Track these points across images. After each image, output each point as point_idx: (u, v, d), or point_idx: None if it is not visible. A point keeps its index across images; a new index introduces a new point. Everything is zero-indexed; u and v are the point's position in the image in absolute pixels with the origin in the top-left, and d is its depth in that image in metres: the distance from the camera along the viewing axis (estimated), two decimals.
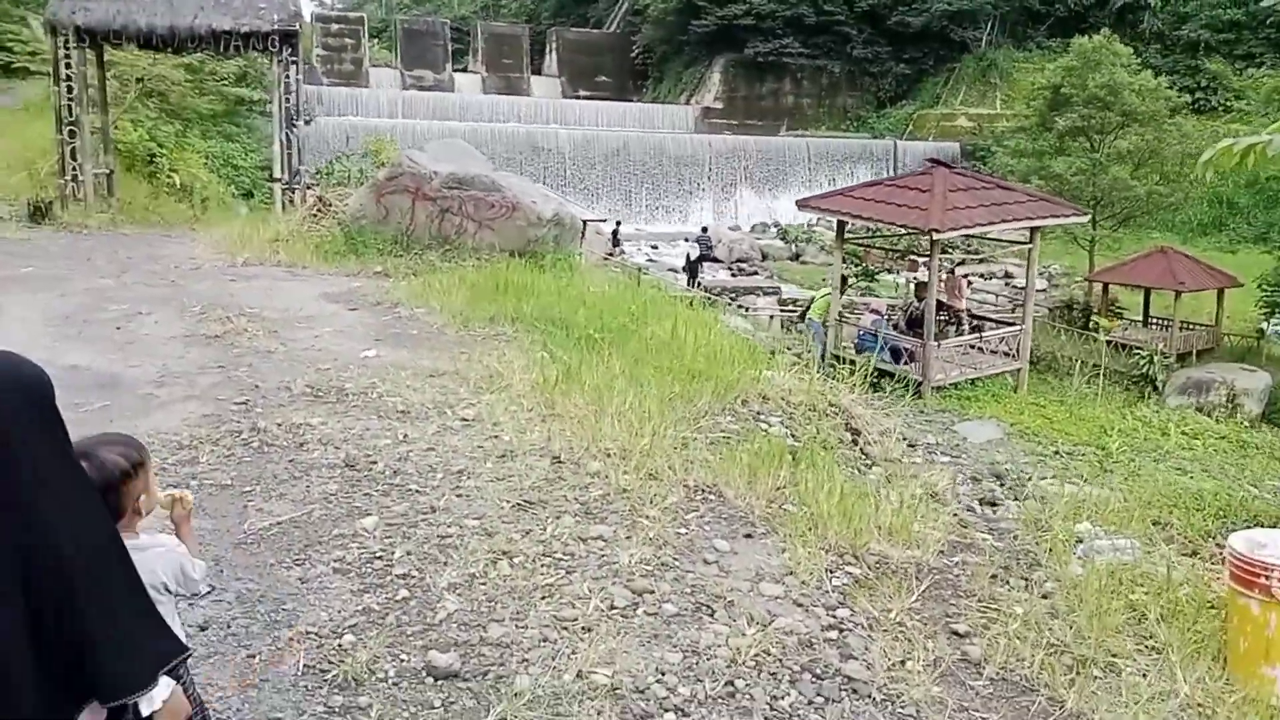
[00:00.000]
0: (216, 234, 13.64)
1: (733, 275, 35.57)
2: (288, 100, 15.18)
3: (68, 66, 14.75)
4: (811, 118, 53.33)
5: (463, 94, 55.32)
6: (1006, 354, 15.16)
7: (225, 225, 14.63)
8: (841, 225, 15.58)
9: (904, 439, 7.64)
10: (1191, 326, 24.19)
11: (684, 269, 31.37)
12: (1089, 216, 16.09)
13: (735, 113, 52.69)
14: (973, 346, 15.07)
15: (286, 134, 15.24)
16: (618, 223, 35.35)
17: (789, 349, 17.88)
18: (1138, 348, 20.86)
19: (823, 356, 15.47)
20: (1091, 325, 23.65)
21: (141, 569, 1.90)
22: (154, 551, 2.47)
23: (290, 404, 6.29)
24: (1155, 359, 19.77)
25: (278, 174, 15.45)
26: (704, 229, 34.21)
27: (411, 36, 59.15)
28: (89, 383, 6.66)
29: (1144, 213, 26.33)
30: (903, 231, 15.20)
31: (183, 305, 9.26)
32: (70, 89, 14.90)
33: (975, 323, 16.19)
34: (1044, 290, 29.71)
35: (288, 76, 15.14)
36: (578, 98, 57.78)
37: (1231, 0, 45.21)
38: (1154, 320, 25.22)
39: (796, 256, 39.20)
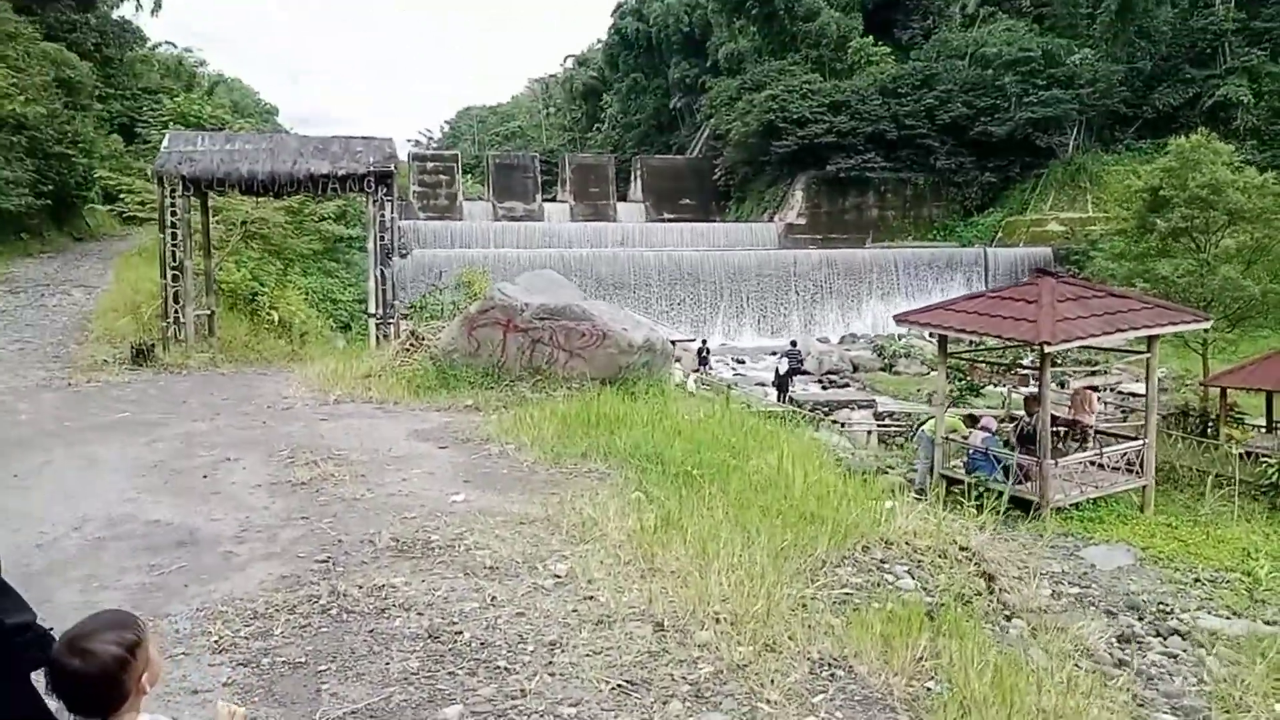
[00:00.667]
0: (311, 371, 13.58)
1: (824, 388, 34.78)
2: (383, 237, 15.29)
3: (173, 214, 15.15)
4: (897, 229, 52.97)
5: (551, 222, 56.60)
6: (1130, 470, 14.06)
7: (321, 361, 14.61)
8: (943, 340, 14.87)
9: (1045, 580, 6.80)
10: None
11: (774, 383, 30.76)
12: (1210, 322, 15.08)
13: (819, 227, 52.67)
14: (1092, 463, 14.02)
15: (381, 270, 15.31)
16: (704, 342, 35.12)
17: (892, 468, 17.04)
18: (1265, 456, 19.38)
19: (930, 473, 14.59)
20: (1212, 433, 22.20)
21: None
22: None
23: (373, 561, 5.83)
24: None
25: (372, 309, 15.49)
26: (793, 343, 33.67)
27: (502, 170, 61.10)
28: (169, 540, 6.33)
29: (1258, 312, 24.97)
30: (1009, 344, 14.40)
31: (271, 448, 9.01)
32: (175, 235, 15.27)
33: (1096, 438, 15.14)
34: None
35: (383, 215, 15.30)
36: (662, 220, 58.65)
37: None
38: (1279, 425, 23.63)
39: (889, 367, 38.28)
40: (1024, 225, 49.46)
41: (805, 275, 45.06)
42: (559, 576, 5.46)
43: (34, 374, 13.83)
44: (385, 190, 15.35)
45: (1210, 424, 23.92)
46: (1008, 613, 5.94)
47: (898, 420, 28.19)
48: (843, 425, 25.04)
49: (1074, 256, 45.34)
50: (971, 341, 15.40)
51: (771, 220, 53.82)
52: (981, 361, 17.78)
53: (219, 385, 13.26)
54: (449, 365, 11.94)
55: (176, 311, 15.32)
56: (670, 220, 58.10)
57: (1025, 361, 17.57)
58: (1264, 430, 23.74)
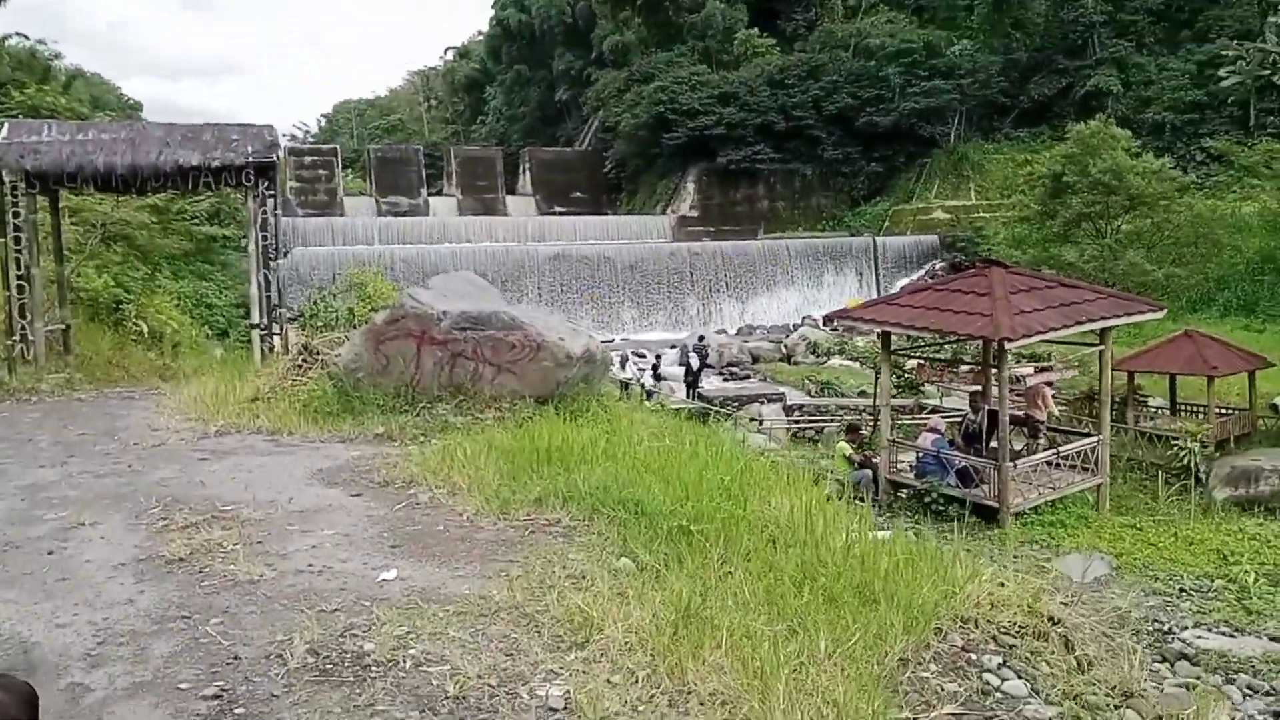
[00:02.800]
0: (187, 394, 11.50)
1: (724, 380, 33.73)
2: (264, 237, 13.25)
3: (16, 215, 12.79)
4: (787, 220, 52.44)
5: (438, 216, 54.23)
6: (1085, 469, 13.15)
7: (197, 381, 12.49)
8: (886, 336, 13.70)
9: (1142, 648, 5.53)
10: (1228, 411, 22.52)
11: (685, 380, 29.55)
12: (1164, 311, 14.31)
13: (711, 219, 51.70)
14: (1048, 463, 13.05)
15: (264, 274, 13.27)
16: (658, 356, 33.71)
17: (830, 474, 15.81)
18: (1174, 438, 19.02)
19: (875, 495, 13.42)
20: (1119, 417, 21.82)
21: None
22: None
23: (286, 693, 4.11)
24: (1196, 449, 17.84)
25: (255, 318, 13.41)
26: (700, 338, 32.50)
27: (385, 164, 58.31)
28: None
29: (1161, 295, 24.86)
30: (959, 340, 13.31)
31: (138, 505, 7.07)
32: (19, 239, 12.91)
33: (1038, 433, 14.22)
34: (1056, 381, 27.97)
35: (264, 212, 13.25)
36: (553, 213, 56.93)
37: (1192, 82, 44.99)
38: (1182, 407, 23.56)
39: (788, 358, 37.52)
40: (910, 214, 49.49)
41: (701, 267, 44.01)
42: (555, 710, 3.86)
43: None
44: (267, 184, 13.30)
45: (1117, 407, 23.69)
46: (1113, 698, 4.61)
47: (805, 411, 27.30)
48: (760, 422, 23.89)
49: (960, 243, 45.58)
50: (910, 337, 14.29)
51: (664, 213, 52.61)
52: (924, 358, 16.75)
53: (75, 415, 11.06)
54: (352, 385, 10.09)
55: (24, 327, 12.97)
56: (562, 213, 56.34)
57: (966, 356, 16.62)
58: (1168, 412, 23.61)
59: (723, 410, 25.10)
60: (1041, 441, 13.74)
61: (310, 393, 10.58)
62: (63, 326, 14.09)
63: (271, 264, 13.26)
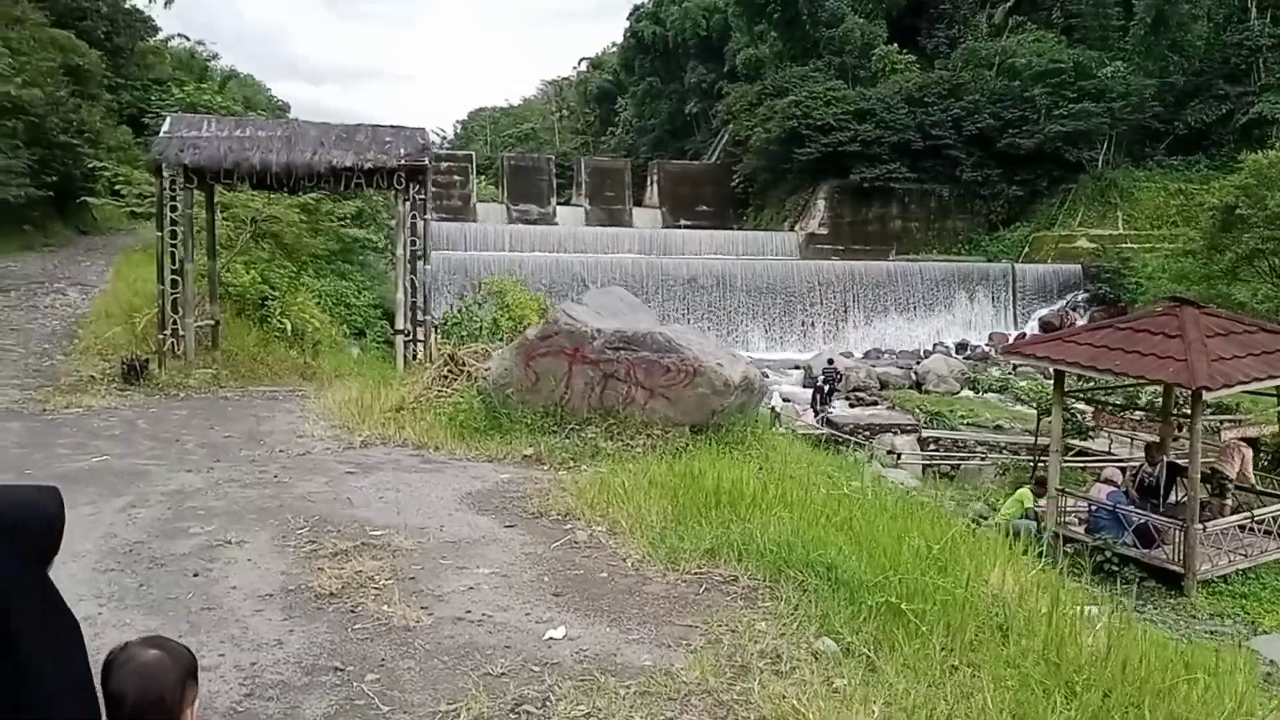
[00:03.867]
0: (331, 399, 11.22)
1: (850, 406, 32.48)
2: (413, 241, 12.96)
3: (173, 210, 12.81)
4: (920, 241, 50.60)
5: (567, 226, 54.34)
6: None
7: (340, 385, 12.25)
8: (1060, 376, 12.54)
9: None
10: None
11: (813, 404, 28.51)
12: None
13: (841, 238, 50.29)
14: (1242, 527, 11.70)
15: (412, 279, 12.97)
16: (830, 362, 32.20)
17: (984, 518, 14.65)
18: None
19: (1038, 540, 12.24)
20: None
21: None
22: None
23: None
24: None
25: (401, 324, 13.12)
26: (830, 361, 31.34)
27: (517, 172, 58.78)
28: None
29: None
30: (1139, 383, 12.08)
31: (285, 523, 6.65)
32: (175, 233, 12.93)
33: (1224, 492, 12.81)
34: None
35: (414, 215, 12.96)
36: (679, 226, 56.34)
37: None
38: None
39: (918, 385, 35.95)
40: (1052, 241, 47.11)
41: (830, 287, 42.73)
42: None
43: (5, 393, 11.47)
44: (418, 187, 13.01)
45: None
46: None
47: (943, 445, 25.91)
48: (896, 456, 22.73)
49: (1105, 274, 43.13)
50: (1089, 379, 13.09)
51: (793, 229, 51.41)
52: (1104, 403, 15.44)
53: (221, 415, 10.90)
54: (500, 401, 9.59)
55: (175, 322, 12.97)
56: (687, 227, 55.72)
57: (1141, 402, 15.25)
58: None
59: (852, 439, 24.02)
60: (1228, 502, 12.36)
61: (456, 406, 10.15)
62: (212, 322, 14.10)
63: (420, 269, 12.96)
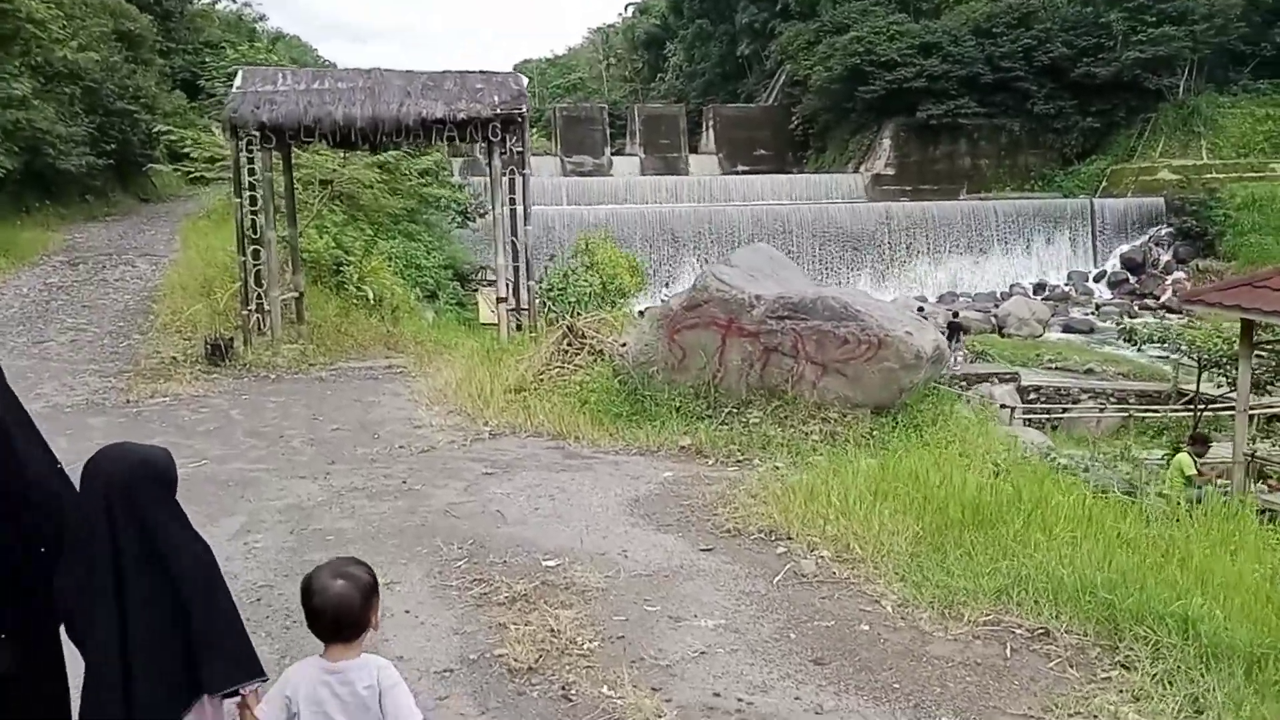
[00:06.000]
0: (441, 379, 9.96)
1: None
2: (512, 200, 11.56)
3: (251, 173, 11.53)
4: (991, 179, 48.18)
5: (623, 177, 52.57)
6: None
7: (444, 362, 10.98)
8: (1249, 326, 10.89)
9: None
10: None
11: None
12: None
13: (908, 178, 48.03)
14: None
15: (512, 241, 11.60)
16: (955, 315, 29.20)
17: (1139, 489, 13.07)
18: None
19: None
20: None
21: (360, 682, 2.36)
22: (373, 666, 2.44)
23: None
24: None
25: (502, 292, 11.75)
26: (955, 315, 29.31)
27: (570, 123, 56.94)
28: None
29: None
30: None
31: (436, 552, 5.38)
32: (255, 200, 11.66)
33: None
34: None
35: (511, 170, 11.55)
36: (736, 172, 54.30)
37: None
38: None
39: (998, 330, 34.08)
40: (1131, 174, 44.47)
41: (899, 230, 40.68)
42: None
43: (85, 381, 10.37)
44: (515, 138, 11.59)
45: None
46: None
47: (1043, 392, 24.21)
48: (1011, 410, 21.09)
49: (1190, 207, 40.64)
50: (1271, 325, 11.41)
51: (857, 171, 49.21)
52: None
53: (321, 400, 9.68)
54: (642, 381, 8.24)
55: (259, 296, 11.76)
56: (745, 172, 53.67)
57: None
58: None
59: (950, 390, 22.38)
60: None
61: (584, 386, 8.82)
62: (296, 294, 12.89)
63: (520, 230, 11.59)
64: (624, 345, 8.38)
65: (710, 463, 7.13)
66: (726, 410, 7.80)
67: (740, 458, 7.17)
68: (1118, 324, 29.90)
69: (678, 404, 7.96)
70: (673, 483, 6.65)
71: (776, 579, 4.96)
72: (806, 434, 7.39)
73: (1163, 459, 14.25)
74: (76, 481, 2.35)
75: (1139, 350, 25.19)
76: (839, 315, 7.58)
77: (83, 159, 23.58)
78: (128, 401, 9.49)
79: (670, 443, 7.53)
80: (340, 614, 2.34)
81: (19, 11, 18.37)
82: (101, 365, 11.19)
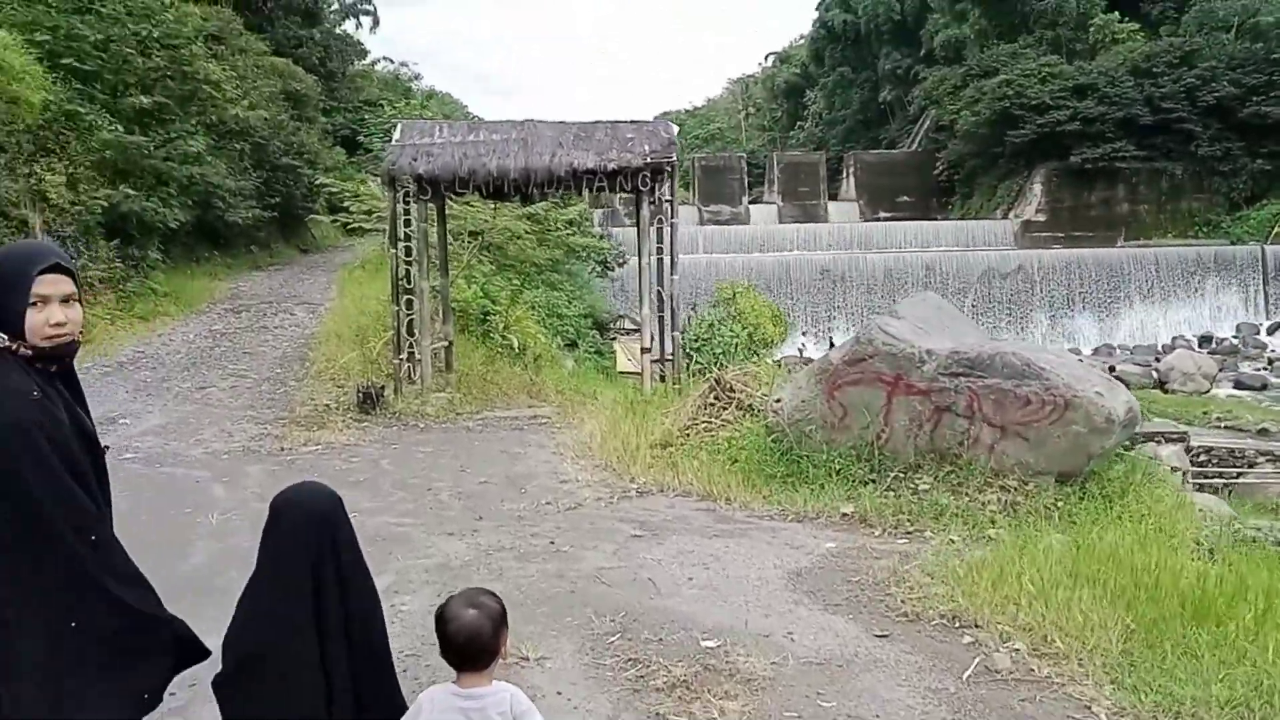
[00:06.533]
0: (585, 432, 9.74)
1: None
2: (660, 248, 11.34)
3: (407, 224, 11.70)
4: (1150, 225, 45.61)
5: (760, 225, 52.24)
6: None
7: (588, 413, 10.77)
8: None
9: None
10: None
11: None
12: None
13: (1061, 224, 45.95)
14: None
15: (658, 290, 11.36)
16: (1111, 370, 28.34)
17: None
18: None
19: None
20: None
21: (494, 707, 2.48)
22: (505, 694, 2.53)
23: None
24: None
25: (646, 342, 11.51)
26: (1111, 368, 27.73)
27: (708, 173, 57.15)
28: None
29: None
30: None
31: (589, 627, 5.02)
32: (409, 250, 11.82)
33: None
34: None
35: (660, 219, 11.34)
36: (878, 219, 53.19)
37: None
38: None
39: (1161, 385, 31.87)
40: None
41: (1052, 278, 38.75)
42: None
43: (243, 428, 10.59)
44: (664, 187, 11.40)
45: None
46: None
47: (1215, 455, 22.31)
48: (1180, 474, 19.51)
49: None
50: None
51: (1006, 217, 47.39)
52: None
53: (469, 450, 9.57)
54: (797, 440, 7.76)
55: (411, 345, 11.85)
56: (887, 219, 52.49)
57: None
58: None
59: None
60: None
61: (733, 443, 8.41)
62: (445, 343, 12.98)
63: (667, 280, 11.34)
64: (778, 401, 7.92)
65: (876, 533, 6.58)
66: (892, 475, 7.24)
67: (910, 529, 6.60)
68: None
69: (837, 466, 7.44)
70: (837, 555, 6.14)
71: (966, 674, 4.40)
72: (983, 504, 6.75)
73: None
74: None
75: None
76: (1020, 373, 6.94)
77: (250, 211, 24.83)
78: (282, 449, 9.61)
79: (830, 509, 7.01)
80: (473, 641, 2.45)
81: (198, 74, 19.53)
82: (259, 412, 11.46)
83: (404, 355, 11.76)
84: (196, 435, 10.19)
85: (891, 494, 7.05)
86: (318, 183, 25.90)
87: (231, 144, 24.22)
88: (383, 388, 11.55)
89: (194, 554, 6.39)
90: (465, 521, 7.03)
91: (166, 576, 5.38)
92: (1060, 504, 6.68)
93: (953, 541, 6.20)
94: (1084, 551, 5.40)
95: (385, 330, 13.24)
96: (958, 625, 4.94)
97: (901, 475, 7.21)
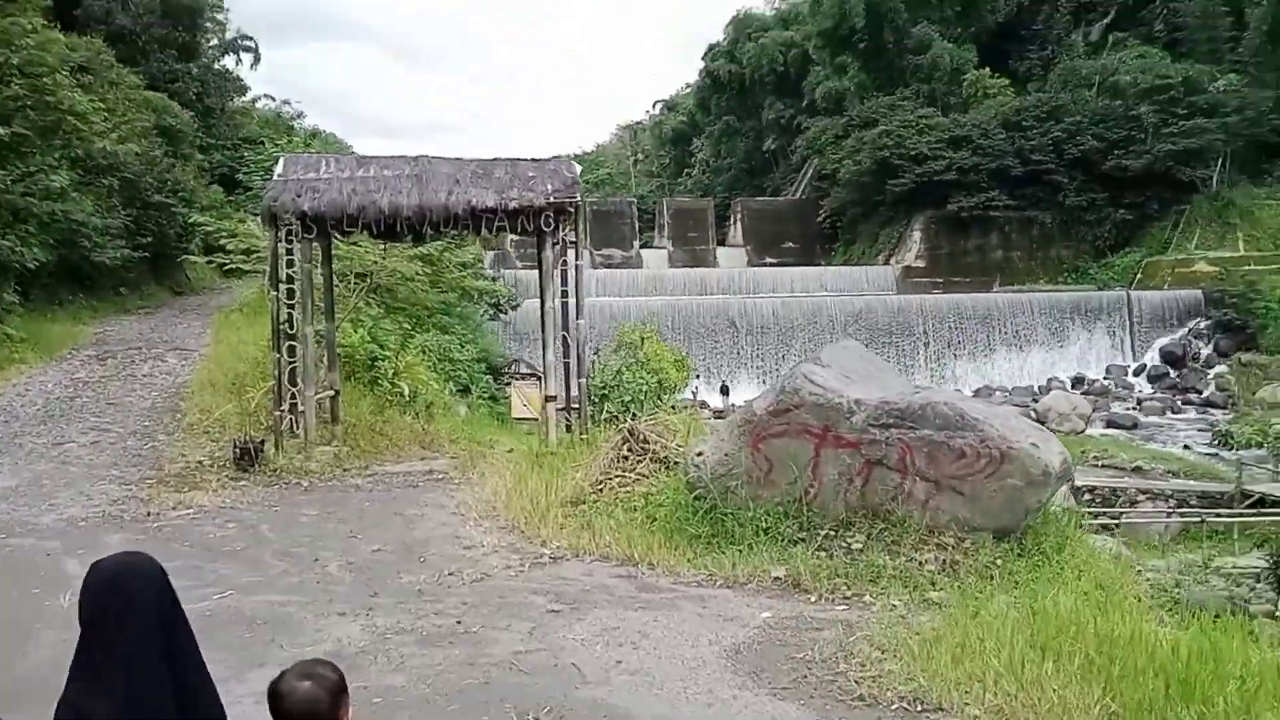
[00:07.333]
0: (487, 490, 8.99)
1: None
2: (564, 292, 10.75)
3: (290, 265, 10.79)
4: (1024, 271, 47.42)
5: (651, 269, 52.34)
6: None
7: (489, 467, 10.02)
8: None
9: None
10: None
11: None
12: None
13: (940, 270, 47.34)
14: None
15: (563, 336, 10.75)
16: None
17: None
18: None
19: None
20: None
21: None
22: None
23: None
24: None
25: (551, 390, 10.84)
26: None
27: (600, 217, 57.01)
28: None
29: None
30: None
31: None
32: (292, 292, 10.90)
33: None
34: None
35: (564, 262, 10.77)
36: (764, 264, 53.93)
37: None
38: None
39: (1040, 424, 32.81)
40: (1166, 266, 43.55)
41: (934, 322, 39.71)
42: None
43: (104, 490, 9.46)
44: (568, 228, 10.84)
45: None
46: None
47: (1101, 497, 22.82)
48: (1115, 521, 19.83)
49: (1230, 299, 39.61)
50: None
51: (887, 263, 48.63)
52: None
53: (359, 513, 8.70)
54: (721, 497, 7.23)
55: (293, 395, 10.90)
56: (774, 264, 53.27)
57: None
58: None
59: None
60: None
61: (650, 499, 7.82)
62: (331, 392, 12.03)
63: (573, 325, 10.74)
64: (699, 454, 7.39)
65: (813, 599, 6.08)
66: (823, 533, 6.77)
67: (848, 593, 6.12)
68: (1214, 426, 28.44)
69: (765, 525, 6.93)
70: (775, 626, 5.60)
71: None
72: (921, 563, 6.34)
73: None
74: None
75: (1234, 452, 23.67)
76: (953, 424, 6.59)
77: (118, 251, 23.22)
78: (148, 514, 8.56)
79: (761, 572, 6.48)
80: (310, 716, 2.28)
81: (61, 104, 18.12)
82: (123, 470, 10.30)
83: (285, 406, 10.79)
84: (50, 499, 9.03)
85: (824, 554, 6.57)
86: (193, 221, 24.45)
87: (99, 180, 22.64)
88: (262, 442, 10.55)
89: (39, 646, 5.43)
90: (358, 598, 6.22)
91: (2, 677, 4.44)
92: (999, 561, 6.31)
93: (894, 607, 5.74)
94: (1041, 618, 4.99)
95: (265, 379, 12.23)
96: (920, 709, 4.44)
97: (833, 534, 6.74)
